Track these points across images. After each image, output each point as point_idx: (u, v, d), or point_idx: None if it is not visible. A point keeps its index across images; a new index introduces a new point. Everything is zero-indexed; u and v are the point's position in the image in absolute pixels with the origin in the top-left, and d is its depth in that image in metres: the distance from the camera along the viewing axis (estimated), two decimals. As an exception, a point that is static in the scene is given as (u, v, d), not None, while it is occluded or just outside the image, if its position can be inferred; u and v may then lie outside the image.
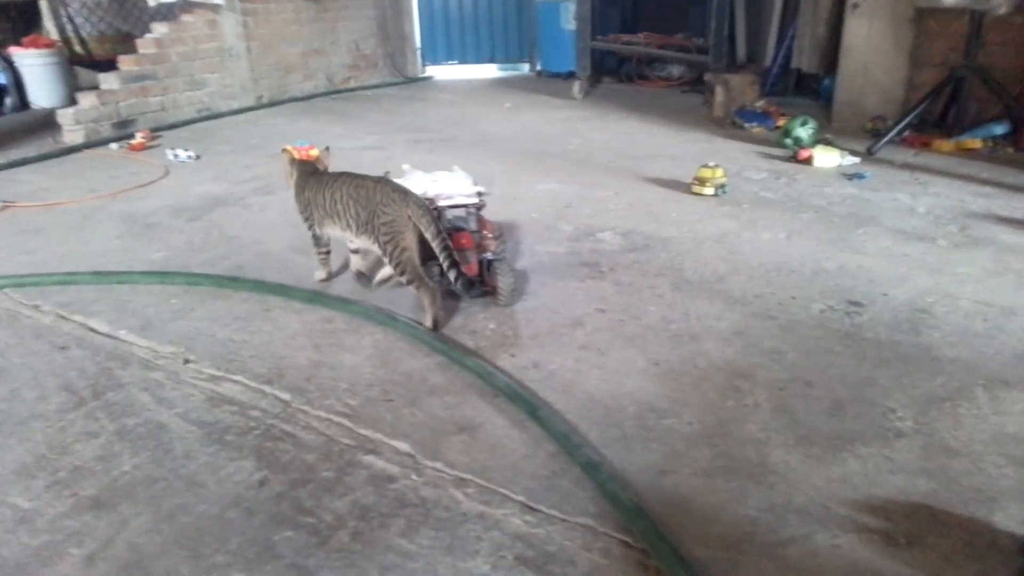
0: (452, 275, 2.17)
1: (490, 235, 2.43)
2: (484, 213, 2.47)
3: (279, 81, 6.23)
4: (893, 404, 1.81)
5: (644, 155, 4.27)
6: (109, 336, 2.21)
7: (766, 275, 2.55)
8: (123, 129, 4.91)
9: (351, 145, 4.64)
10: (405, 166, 3.56)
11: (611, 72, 7.26)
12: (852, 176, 3.67)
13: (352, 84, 7.01)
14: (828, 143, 4.10)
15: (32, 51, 6.04)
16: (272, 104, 6.09)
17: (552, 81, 7.23)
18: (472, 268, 2.27)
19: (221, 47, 5.62)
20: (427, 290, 2.17)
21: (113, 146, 4.59)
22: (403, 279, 2.20)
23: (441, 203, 2.39)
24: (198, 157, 4.29)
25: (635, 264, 2.66)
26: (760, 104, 4.90)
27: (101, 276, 2.57)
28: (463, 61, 8.19)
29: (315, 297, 2.40)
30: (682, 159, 4.11)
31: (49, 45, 6.19)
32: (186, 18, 5.37)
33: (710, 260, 2.68)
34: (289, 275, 2.63)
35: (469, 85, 7.27)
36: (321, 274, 2.55)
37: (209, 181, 3.86)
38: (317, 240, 2.47)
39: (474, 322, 2.26)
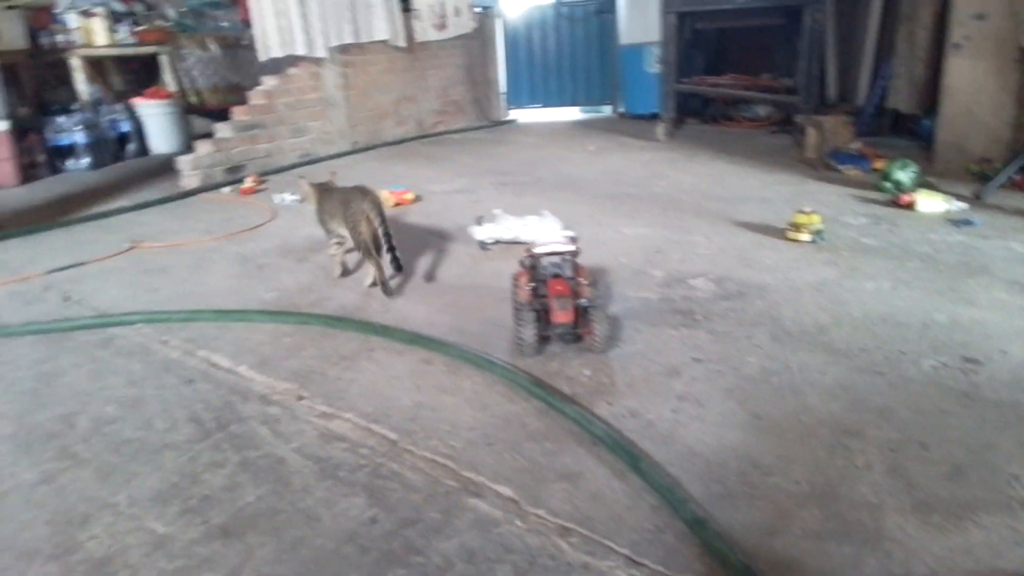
0: (387, 258, 2.88)
1: (585, 281, 2.47)
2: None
3: (373, 127, 6.57)
4: (1017, 471, 1.71)
5: (733, 198, 4.23)
6: (230, 371, 2.37)
7: (871, 327, 2.47)
8: (234, 174, 5.29)
9: (442, 188, 4.82)
10: (496, 210, 3.70)
11: (695, 113, 7.27)
12: (960, 222, 3.51)
13: (440, 128, 7.31)
14: (930, 187, 3.95)
15: (153, 102, 6.64)
16: (366, 148, 6.42)
17: (635, 123, 7.29)
18: (568, 315, 2.31)
19: (322, 97, 6.01)
20: (374, 261, 2.93)
21: (225, 190, 4.95)
22: (360, 252, 2.98)
23: (537, 250, 2.46)
24: (302, 200, 4.56)
25: (730, 312, 2.64)
26: (855, 146, 4.78)
27: (221, 314, 2.77)
28: (546, 104, 8.39)
29: (415, 339, 2.50)
30: (774, 202, 4.06)
31: (168, 96, 6.79)
32: (292, 71, 5.78)
33: (810, 310, 2.62)
34: (389, 317, 2.75)
35: (552, 128, 7.44)
36: (333, 253, 3.22)
37: (312, 224, 4.05)
38: (329, 233, 3.16)
39: (569, 368, 2.30)
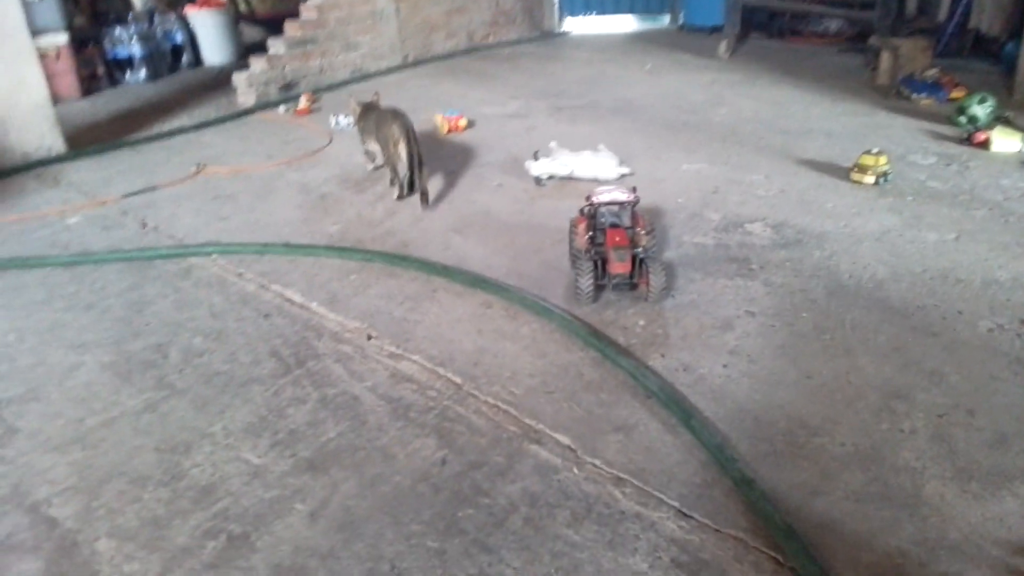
0: (408, 178, 3.26)
1: (643, 231, 2.50)
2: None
3: (424, 40, 6.42)
4: (1064, 442, 1.77)
5: (797, 130, 4.10)
6: (303, 307, 2.53)
7: (930, 283, 2.46)
8: (287, 91, 5.30)
9: (495, 112, 4.76)
10: (552, 143, 3.68)
11: (760, 26, 6.86)
12: (1036, 166, 3.36)
13: (491, 40, 7.08)
14: (1008, 123, 3.76)
15: (205, 11, 6.57)
16: (416, 63, 6.30)
17: (695, 37, 6.94)
18: (626, 266, 2.36)
19: (373, 10, 5.86)
20: (395, 174, 3.36)
21: (280, 109, 4.98)
22: (386, 167, 3.45)
23: (597, 199, 2.48)
24: (356, 123, 4.57)
25: (787, 263, 2.65)
26: (931, 73, 4.51)
27: (291, 248, 2.90)
28: (601, 12, 8.00)
29: (476, 281, 2.60)
30: (839, 137, 3.92)
31: (220, 5, 6.70)
32: (343, -19, 5.62)
33: (869, 262, 2.62)
34: (449, 255, 2.84)
35: (607, 41, 7.13)
36: (369, 165, 3.77)
37: (368, 149, 4.13)
38: (368, 153, 3.69)
39: (624, 317, 2.38)
